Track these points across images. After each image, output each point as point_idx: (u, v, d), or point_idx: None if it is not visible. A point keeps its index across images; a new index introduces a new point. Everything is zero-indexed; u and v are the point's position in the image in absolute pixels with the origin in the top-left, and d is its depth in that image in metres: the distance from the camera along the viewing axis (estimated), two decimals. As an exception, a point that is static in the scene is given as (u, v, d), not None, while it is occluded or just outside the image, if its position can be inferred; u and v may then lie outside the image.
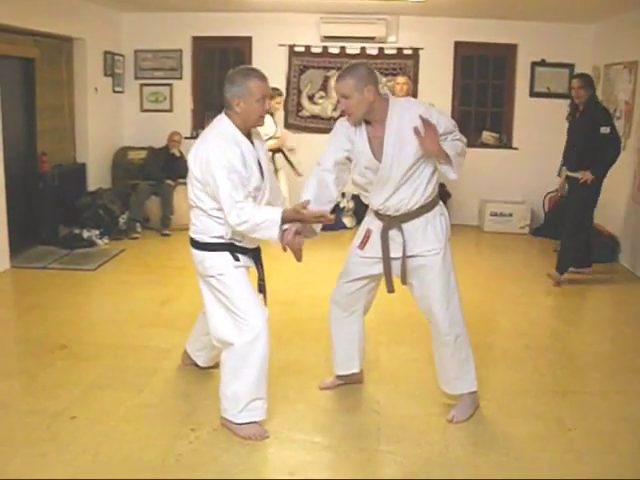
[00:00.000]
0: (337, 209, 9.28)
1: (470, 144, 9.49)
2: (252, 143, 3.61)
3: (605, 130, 6.43)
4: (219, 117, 3.61)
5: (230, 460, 3.40)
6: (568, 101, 7.03)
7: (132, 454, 3.44)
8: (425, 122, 3.50)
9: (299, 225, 3.50)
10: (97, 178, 9.10)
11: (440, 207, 3.82)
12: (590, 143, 6.47)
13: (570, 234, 6.78)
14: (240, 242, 3.60)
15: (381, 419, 3.89)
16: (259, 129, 3.77)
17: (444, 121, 3.67)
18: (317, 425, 3.81)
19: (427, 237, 3.73)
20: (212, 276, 3.62)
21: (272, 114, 7.90)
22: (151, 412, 3.91)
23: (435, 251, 3.72)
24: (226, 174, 3.36)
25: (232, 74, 3.55)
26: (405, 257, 3.76)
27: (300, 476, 3.29)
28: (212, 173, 3.39)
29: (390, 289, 3.86)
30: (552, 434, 3.77)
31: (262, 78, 3.52)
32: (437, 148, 3.52)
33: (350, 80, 3.53)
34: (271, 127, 7.76)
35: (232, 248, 3.60)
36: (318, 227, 3.74)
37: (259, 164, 3.60)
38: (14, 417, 3.81)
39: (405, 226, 3.73)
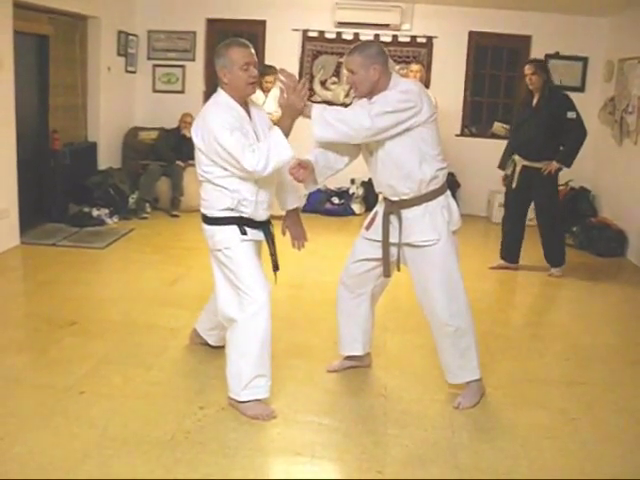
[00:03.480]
0: (346, 195, 9.31)
1: (481, 134, 9.64)
2: (249, 112, 3.67)
3: (572, 115, 6.39)
4: (216, 92, 3.69)
5: (238, 439, 3.43)
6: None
7: (140, 430, 3.47)
8: (283, 72, 3.55)
9: (303, 160, 3.66)
10: (108, 157, 9.12)
11: (445, 199, 3.80)
12: (556, 130, 6.42)
13: (551, 227, 6.72)
14: (247, 214, 3.63)
15: (388, 403, 3.92)
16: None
17: (386, 99, 3.60)
18: (324, 407, 3.84)
19: (424, 227, 3.73)
20: (219, 250, 3.66)
21: (264, 91, 7.96)
22: (160, 389, 3.94)
23: (431, 242, 3.71)
24: (229, 133, 3.44)
25: (217, 48, 3.64)
26: (401, 243, 3.79)
27: (307, 456, 3.32)
28: (215, 137, 3.45)
29: (386, 273, 3.90)
30: (556, 423, 3.80)
31: (242, 45, 3.56)
32: (294, 99, 3.50)
33: (358, 57, 3.63)
34: (267, 105, 7.73)
35: (240, 221, 3.64)
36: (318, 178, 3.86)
37: (255, 134, 3.64)
38: (24, 391, 3.84)
39: (404, 213, 3.75)
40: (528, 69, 6.51)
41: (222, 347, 4.24)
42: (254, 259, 3.69)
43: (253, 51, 3.62)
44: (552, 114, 6.41)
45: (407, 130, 3.59)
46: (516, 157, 6.68)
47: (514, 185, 6.66)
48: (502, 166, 6.92)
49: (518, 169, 6.63)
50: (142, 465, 3.16)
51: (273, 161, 3.45)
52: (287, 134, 3.51)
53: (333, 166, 3.86)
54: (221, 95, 3.64)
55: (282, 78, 3.55)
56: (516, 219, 6.82)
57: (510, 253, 6.94)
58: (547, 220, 6.71)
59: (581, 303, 6.29)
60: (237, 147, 3.43)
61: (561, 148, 6.51)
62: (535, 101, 6.57)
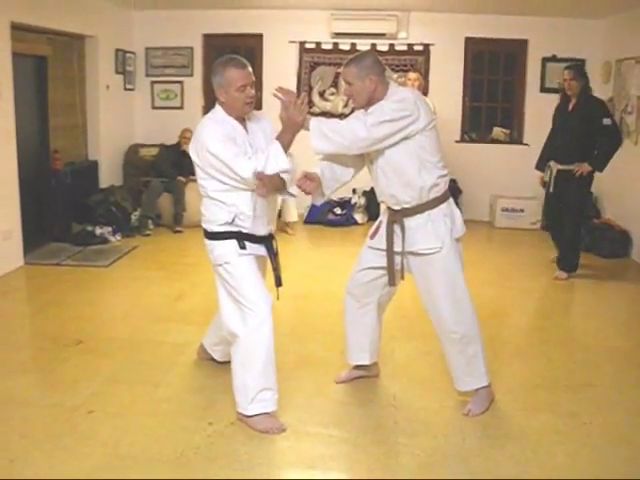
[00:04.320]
0: (348, 205, 9.30)
1: (481, 140, 9.67)
2: (245, 127, 3.67)
3: (607, 122, 6.41)
4: (214, 108, 3.70)
5: (248, 453, 3.42)
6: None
7: (151, 447, 3.46)
8: (281, 90, 3.60)
9: (310, 172, 3.72)
10: (109, 175, 9.14)
11: (447, 206, 3.79)
12: (590, 136, 6.43)
13: (573, 231, 6.73)
14: (246, 229, 3.63)
15: (397, 412, 3.91)
16: None
17: (382, 108, 3.62)
18: (334, 418, 3.83)
19: (427, 235, 3.72)
20: (220, 265, 3.66)
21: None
22: (168, 406, 3.93)
23: (434, 250, 3.71)
24: (220, 142, 3.47)
25: (214, 65, 3.64)
26: (404, 252, 3.79)
27: (319, 469, 3.31)
28: (207, 148, 3.47)
29: (391, 282, 3.90)
30: (567, 427, 3.78)
31: (239, 66, 3.55)
32: (294, 113, 3.54)
33: (354, 68, 3.67)
34: None
35: (239, 236, 3.64)
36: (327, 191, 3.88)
37: (252, 147, 3.63)
38: (32, 411, 3.83)
39: (407, 221, 3.76)
40: (567, 74, 6.50)
41: (229, 362, 4.24)
42: (255, 273, 3.68)
43: (250, 70, 3.60)
44: (586, 119, 6.41)
45: (405, 139, 3.60)
46: (551, 162, 6.72)
47: (551, 189, 6.70)
48: (538, 167, 6.99)
49: (554, 174, 6.66)
50: (153, 483, 3.15)
51: (270, 170, 3.45)
52: (287, 148, 3.53)
53: (339, 178, 3.89)
54: (217, 112, 3.66)
55: (280, 96, 3.58)
56: (559, 225, 6.83)
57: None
58: (571, 223, 6.71)
59: (587, 305, 6.29)
60: (229, 155, 3.44)
61: (595, 152, 6.52)
62: (571, 106, 6.59)
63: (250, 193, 3.57)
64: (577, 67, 6.73)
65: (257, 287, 3.63)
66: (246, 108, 3.63)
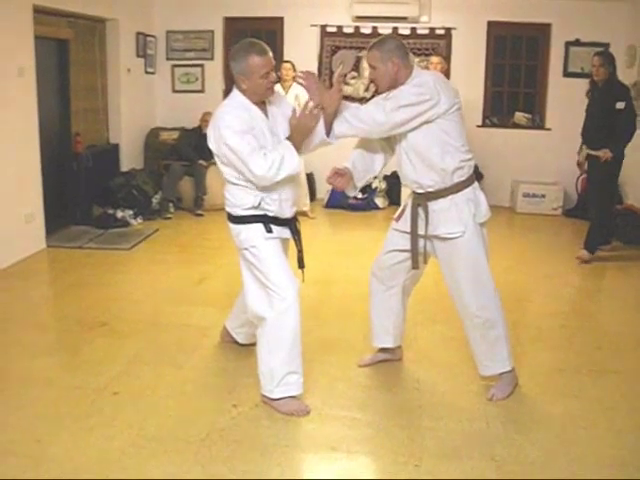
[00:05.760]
0: (369, 190, 9.28)
1: (502, 125, 9.60)
2: (266, 112, 3.64)
3: (620, 105, 6.41)
4: (232, 93, 3.66)
5: (273, 435, 3.44)
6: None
7: (176, 429, 3.48)
8: (303, 73, 3.69)
9: (340, 168, 3.78)
10: (130, 159, 9.17)
11: (472, 191, 3.77)
12: (606, 120, 6.47)
13: (597, 214, 6.82)
14: (272, 212, 3.62)
15: (421, 396, 3.91)
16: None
17: (401, 93, 3.62)
18: (358, 402, 3.83)
19: (449, 219, 3.72)
20: (246, 248, 3.65)
21: (281, 80, 8.05)
22: (192, 388, 3.95)
23: (457, 234, 3.70)
24: (240, 139, 3.43)
25: (234, 51, 3.57)
26: (427, 235, 3.79)
27: (343, 452, 3.32)
28: (227, 144, 3.45)
29: (414, 265, 3.90)
30: (591, 413, 3.76)
31: (262, 53, 3.51)
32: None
33: (376, 52, 3.69)
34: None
35: (265, 219, 3.63)
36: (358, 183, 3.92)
37: (272, 132, 3.63)
38: (58, 392, 3.87)
39: (430, 205, 3.76)
40: (597, 60, 6.52)
41: (252, 345, 4.26)
42: (281, 256, 3.68)
43: (271, 54, 3.57)
44: (607, 105, 6.46)
45: (427, 123, 3.59)
46: (584, 146, 6.87)
47: (580, 171, 7.05)
48: (579, 152, 7.09)
49: (584, 157, 6.87)
50: (179, 464, 3.17)
51: (284, 171, 3.46)
52: (298, 149, 3.53)
53: (370, 168, 3.93)
54: (236, 97, 3.61)
55: (301, 81, 3.62)
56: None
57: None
58: (595, 205, 6.85)
59: (609, 291, 6.26)
60: (246, 150, 3.42)
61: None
62: (597, 92, 6.63)
63: None
64: (607, 54, 6.70)
65: (284, 271, 3.62)
66: (268, 93, 3.62)
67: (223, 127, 3.47)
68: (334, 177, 3.80)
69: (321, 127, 3.59)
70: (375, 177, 9.21)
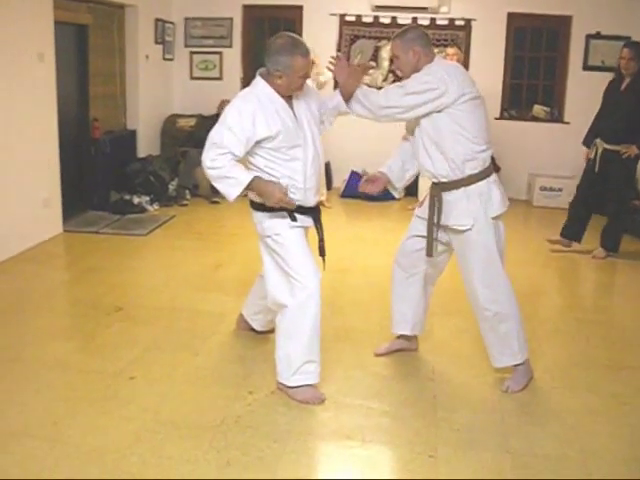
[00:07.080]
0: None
1: (521, 117, 9.54)
2: (291, 104, 3.62)
3: None
4: (254, 81, 3.63)
5: (288, 423, 3.45)
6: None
7: (191, 414, 3.50)
8: (334, 59, 3.82)
9: (372, 175, 4.04)
10: (147, 145, 9.18)
11: (486, 184, 3.75)
12: (636, 114, 6.31)
13: (617, 211, 6.72)
14: (297, 201, 3.61)
15: (437, 387, 3.92)
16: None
17: (412, 81, 3.70)
18: (373, 391, 3.84)
19: (460, 211, 3.74)
20: (269, 236, 3.65)
21: None
22: (208, 374, 3.97)
23: (465, 226, 3.72)
24: (234, 123, 3.45)
25: (278, 46, 3.48)
26: (439, 225, 3.82)
27: (358, 440, 3.33)
28: (226, 114, 3.50)
29: (428, 252, 3.91)
30: (607, 407, 3.76)
31: (306, 54, 3.49)
32: (351, 83, 3.74)
33: (398, 41, 3.78)
34: None
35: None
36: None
37: (299, 123, 3.62)
38: (75, 376, 3.90)
39: (444, 195, 3.77)
40: (626, 53, 6.32)
41: (268, 332, 4.28)
42: (304, 246, 3.68)
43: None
44: (638, 100, 6.29)
45: (437, 112, 3.63)
46: (598, 140, 6.60)
47: (596, 169, 6.60)
48: (585, 142, 6.86)
49: (600, 152, 6.56)
50: (194, 449, 3.19)
51: (218, 183, 3.52)
52: (254, 190, 3.57)
53: (407, 168, 4.05)
54: (263, 87, 3.56)
55: (331, 67, 3.76)
56: (584, 199, 6.81)
57: (571, 230, 6.92)
58: (615, 204, 6.69)
59: (625, 286, 6.23)
60: (219, 136, 3.45)
61: None
62: (624, 86, 6.44)
63: (302, 164, 3.58)
64: (637, 46, 6.45)
65: (307, 260, 3.63)
66: (300, 89, 3.62)
67: (227, 113, 3.51)
68: (365, 185, 4.07)
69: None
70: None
